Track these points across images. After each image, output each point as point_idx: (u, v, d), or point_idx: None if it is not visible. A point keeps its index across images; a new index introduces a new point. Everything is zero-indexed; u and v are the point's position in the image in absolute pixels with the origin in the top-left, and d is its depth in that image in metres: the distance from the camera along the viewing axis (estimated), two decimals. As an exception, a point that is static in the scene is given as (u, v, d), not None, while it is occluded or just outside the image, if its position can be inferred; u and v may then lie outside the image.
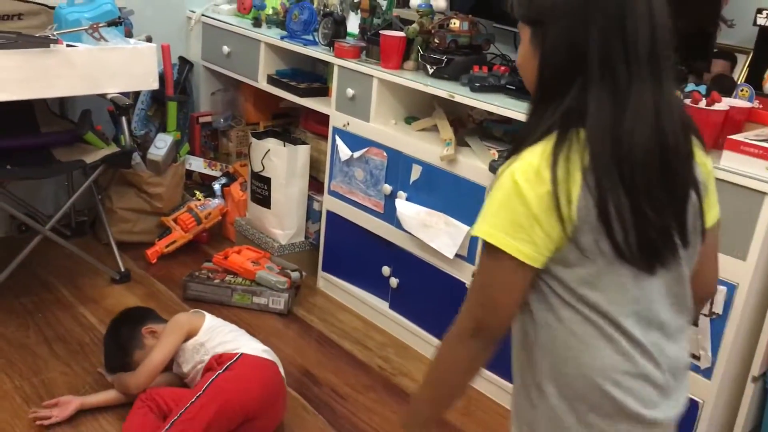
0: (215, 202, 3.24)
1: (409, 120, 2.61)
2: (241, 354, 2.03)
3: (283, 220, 2.99)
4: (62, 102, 3.06)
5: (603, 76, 0.98)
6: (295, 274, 2.81)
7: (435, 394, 1.15)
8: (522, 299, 1.05)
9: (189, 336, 2.11)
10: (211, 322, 2.17)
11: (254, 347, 2.10)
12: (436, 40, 2.48)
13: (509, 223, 1.00)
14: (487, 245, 1.02)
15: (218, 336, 2.12)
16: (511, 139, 2.33)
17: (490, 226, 1.01)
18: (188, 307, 2.67)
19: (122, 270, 2.86)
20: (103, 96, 2.78)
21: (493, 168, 2.14)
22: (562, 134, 0.99)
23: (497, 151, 2.23)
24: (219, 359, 2.02)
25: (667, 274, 1.05)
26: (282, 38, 2.93)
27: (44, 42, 2.52)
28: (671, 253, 1.04)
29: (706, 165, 1.11)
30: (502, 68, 2.34)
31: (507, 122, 2.32)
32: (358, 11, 2.86)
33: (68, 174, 3.15)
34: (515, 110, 2.11)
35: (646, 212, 0.98)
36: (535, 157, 0.99)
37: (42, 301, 2.67)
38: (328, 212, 2.85)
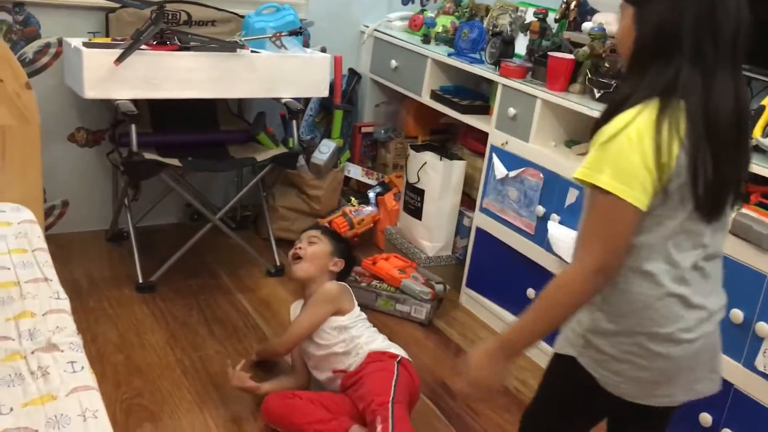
0: (368, 210, 3.35)
1: (570, 143, 2.58)
2: (401, 357, 2.15)
3: (433, 233, 3.04)
4: (240, 103, 3.30)
5: (694, 58, 1.18)
6: (439, 287, 2.85)
7: (543, 326, 1.29)
8: (630, 240, 1.23)
9: (337, 312, 2.19)
10: (357, 311, 2.26)
11: (399, 349, 2.21)
12: (606, 65, 2.44)
13: (627, 175, 1.17)
14: (605, 192, 1.19)
15: (363, 329, 2.21)
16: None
17: (611, 178, 1.18)
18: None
19: (278, 264, 3.03)
20: (277, 100, 2.98)
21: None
22: (663, 102, 1.19)
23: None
24: (384, 354, 2.13)
25: (716, 224, 1.28)
26: (449, 55, 3.00)
27: (232, 47, 2.75)
28: (725, 207, 1.28)
29: None
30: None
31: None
32: (528, 33, 2.87)
33: (239, 171, 3.39)
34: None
35: (721, 171, 1.21)
36: (644, 119, 1.18)
37: (205, 284, 2.89)
38: (478, 229, 2.87)
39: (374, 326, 2.32)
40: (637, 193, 1.18)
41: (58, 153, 3.03)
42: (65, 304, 1.60)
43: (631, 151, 1.17)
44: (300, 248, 2.29)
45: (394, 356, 2.13)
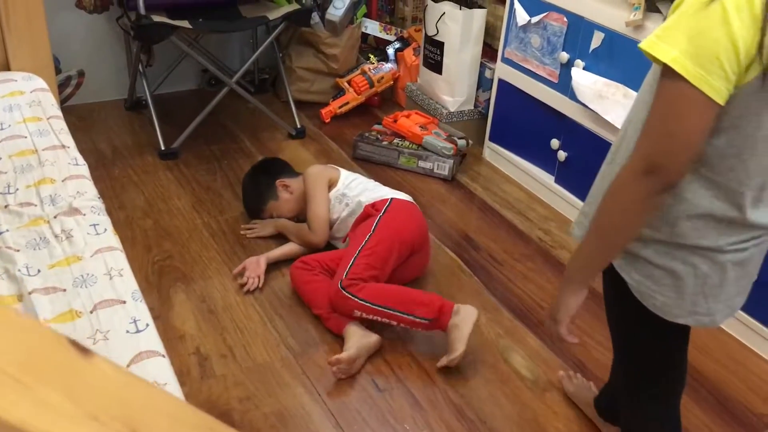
0: (388, 67, 3.27)
1: (596, -17, 2.43)
2: (392, 199, 2.14)
3: (454, 87, 2.96)
4: (249, -41, 3.15)
5: None
6: (461, 142, 2.82)
7: (603, 241, 1.12)
8: (702, 141, 0.99)
9: (329, 187, 2.23)
10: (346, 174, 2.28)
11: (399, 194, 2.21)
12: None
13: (706, 55, 0.92)
14: (672, 74, 0.94)
15: (358, 186, 2.22)
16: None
17: (683, 54, 0.92)
18: (357, 165, 2.79)
19: (298, 126, 3.01)
20: (286, -47, 2.83)
21: (685, 36, 1.96)
22: None
23: (692, 17, 2.03)
24: (374, 206, 2.12)
25: None
26: None
27: None
28: None
29: None
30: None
31: (707, -14, 2.09)
32: None
33: (253, 32, 3.29)
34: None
35: None
36: None
37: (227, 149, 2.89)
38: (500, 81, 2.78)
39: (397, 183, 2.32)
40: (715, 81, 0.92)
41: (67, 21, 2.96)
42: (84, 169, 1.61)
43: (720, 25, 0.91)
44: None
45: (381, 205, 2.10)
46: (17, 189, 1.51)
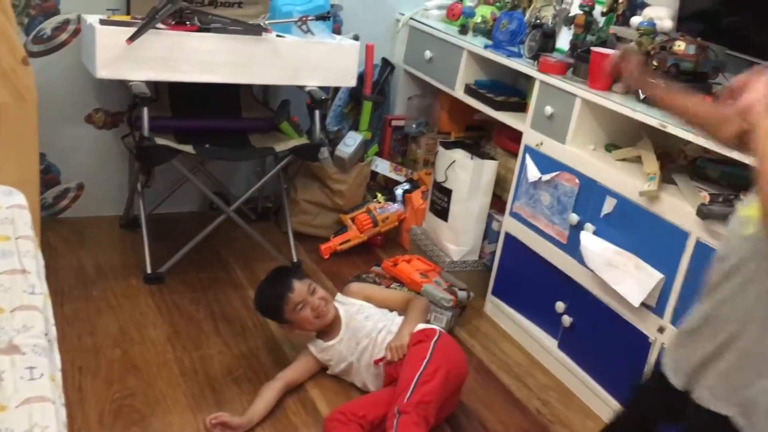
0: (395, 207, 3.19)
1: (610, 147, 2.37)
2: (440, 330, 2.14)
3: (459, 236, 2.86)
4: (266, 90, 3.16)
5: None
6: (462, 293, 2.67)
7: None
8: None
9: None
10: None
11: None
12: (654, 63, 2.22)
13: None
14: None
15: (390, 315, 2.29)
16: (728, 182, 2.01)
17: None
18: (350, 308, 2.64)
19: (294, 260, 2.89)
20: (301, 88, 2.82)
21: (702, 213, 1.85)
22: None
23: (710, 194, 1.93)
24: (424, 332, 2.10)
25: None
26: (486, 47, 2.80)
27: (256, 30, 2.61)
28: None
29: None
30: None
31: (726, 162, 2.01)
32: (572, 26, 2.65)
33: (261, 160, 3.25)
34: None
35: None
36: None
37: (217, 278, 2.76)
38: (507, 234, 2.67)
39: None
40: None
41: (74, 134, 2.93)
42: (39, 300, 1.48)
43: None
44: (319, 303, 2.21)
45: (432, 332, 2.10)
46: (-41, 317, 1.37)
